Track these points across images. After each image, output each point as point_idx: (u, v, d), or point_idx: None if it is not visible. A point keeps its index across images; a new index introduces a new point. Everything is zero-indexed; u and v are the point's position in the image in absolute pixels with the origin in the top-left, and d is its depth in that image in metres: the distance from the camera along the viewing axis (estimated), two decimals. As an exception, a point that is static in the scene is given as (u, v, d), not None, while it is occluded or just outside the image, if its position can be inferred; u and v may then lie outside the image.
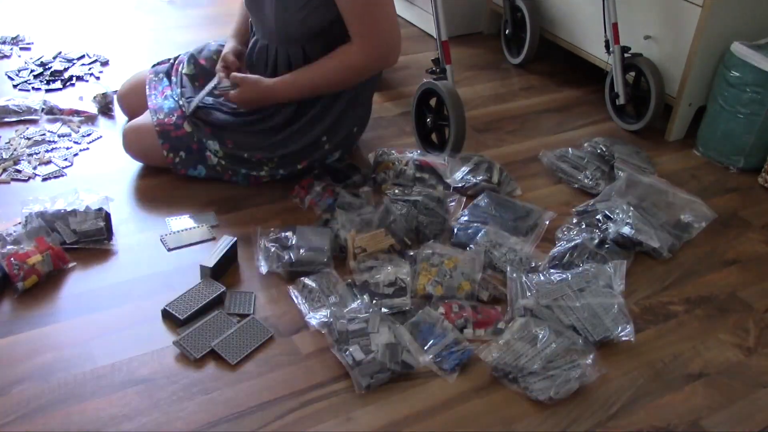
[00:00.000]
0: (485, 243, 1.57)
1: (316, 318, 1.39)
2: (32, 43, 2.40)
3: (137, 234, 1.60)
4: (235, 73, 1.69)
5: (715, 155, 2.03)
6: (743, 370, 1.38)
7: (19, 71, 2.21)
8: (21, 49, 2.36)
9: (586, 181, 1.86)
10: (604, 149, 1.94)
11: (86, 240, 1.53)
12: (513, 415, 1.26)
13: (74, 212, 1.54)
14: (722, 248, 1.70)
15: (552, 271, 1.51)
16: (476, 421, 1.24)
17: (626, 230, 1.63)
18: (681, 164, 2.02)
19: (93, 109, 2.03)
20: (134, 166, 1.80)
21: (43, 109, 2.01)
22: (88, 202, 1.59)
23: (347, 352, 1.30)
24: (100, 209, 1.56)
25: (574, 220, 1.72)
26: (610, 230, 1.65)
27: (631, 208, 1.68)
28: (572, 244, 1.59)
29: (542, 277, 1.48)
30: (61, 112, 2.00)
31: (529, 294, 1.44)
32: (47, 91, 2.13)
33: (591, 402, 1.29)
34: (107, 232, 1.55)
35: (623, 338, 1.39)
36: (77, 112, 2.01)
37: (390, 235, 1.56)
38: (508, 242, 1.59)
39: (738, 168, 2.01)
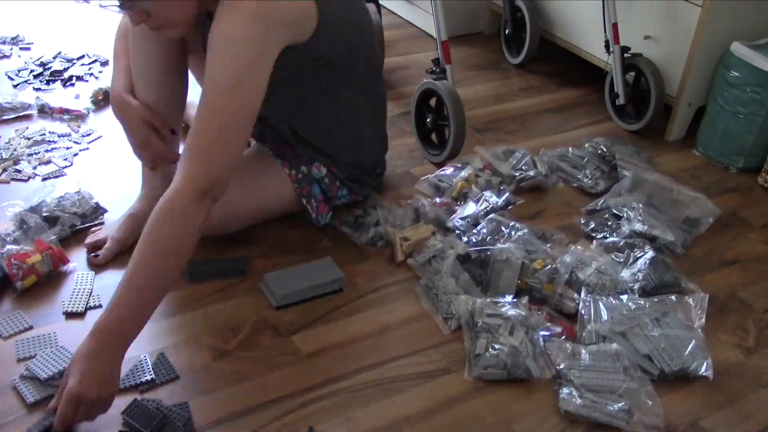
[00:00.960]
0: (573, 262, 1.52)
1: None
2: (32, 43, 2.40)
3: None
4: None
5: (715, 155, 2.03)
6: (743, 370, 1.38)
7: (19, 71, 2.21)
8: (21, 49, 2.36)
9: (585, 180, 1.86)
10: (604, 149, 1.94)
11: (90, 220, 1.58)
12: (513, 415, 1.25)
13: (65, 197, 1.59)
14: (722, 248, 1.70)
15: (626, 297, 1.46)
16: (476, 421, 1.24)
17: (638, 227, 1.63)
18: (681, 164, 2.02)
19: (83, 108, 2.03)
20: (134, 166, 1.80)
21: (36, 106, 2.01)
22: (60, 192, 1.62)
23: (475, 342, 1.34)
24: (78, 191, 1.62)
25: (582, 220, 1.72)
26: (623, 228, 1.65)
27: (641, 205, 1.69)
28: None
29: (615, 301, 1.43)
30: (52, 110, 2.01)
31: (604, 319, 1.39)
32: (35, 89, 2.12)
33: (591, 402, 1.29)
34: (101, 207, 1.62)
35: (702, 374, 1.34)
36: (67, 111, 2.01)
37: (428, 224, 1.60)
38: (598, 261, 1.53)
39: (738, 168, 2.01)
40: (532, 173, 1.84)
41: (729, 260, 1.67)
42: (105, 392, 1.11)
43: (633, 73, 2.14)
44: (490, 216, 1.64)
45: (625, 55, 2.10)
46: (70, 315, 1.37)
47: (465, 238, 1.59)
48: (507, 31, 2.54)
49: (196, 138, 1.25)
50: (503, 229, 1.60)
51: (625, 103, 2.13)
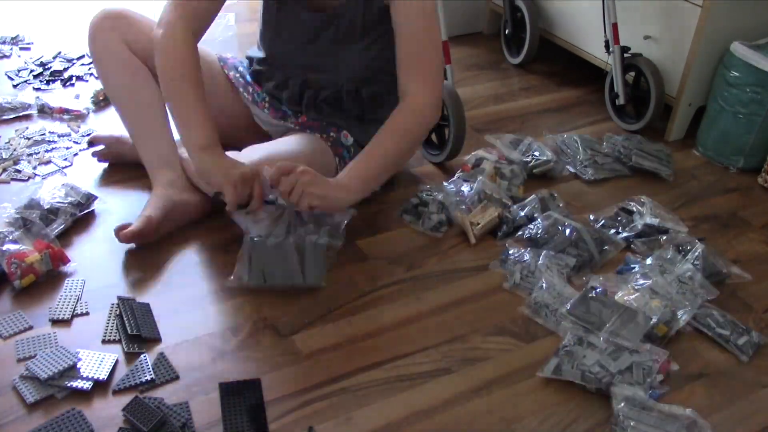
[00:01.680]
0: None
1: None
2: (32, 43, 2.40)
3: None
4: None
5: (715, 155, 2.03)
6: (743, 370, 1.38)
7: (19, 71, 2.21)
8: (21, 49, 2.36)
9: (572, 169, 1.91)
10: (622, 151, 1.95)
11: (86, 208, 1.62)
12: (513, 415, 1.25)
13: (57, 189, 1.61)
14: (722, 248, 1.70)
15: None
16: (476, 420, 1.24)
17: (650, 220, 1.66)
18: (681, 164, 2.02)
19: (83, 108, 2.03)
20: (133, 165, 1.80)
21: (36, 105, 2.01)
22: (47, 187, 1.63)
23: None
24: (65, 184, 1.64)
25: (592, 216, 1.74)
26: (636, 223, 1.68)
27: (650, 198, 1.73)
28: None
29: None
30: (52, 110, 2.01)
31: None
32: (35, 89, 2.13)
33: (591, 402, 1.29)
34: (92, 195, 1.64)
35: None
36: (67, 111, 2.01)
37: (494, 206, 1.65)
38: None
39: (738, 168, 2.01)
40: (544, 158, 1.88)
41: (729, 260, 1.67)
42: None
43: (633, 73, 2.14)
44: (546, 213, 1.67)
45: (625, 55, 2.10)
46: (56, 322, 1.36)
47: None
48: (507, 31, 2.55)
49: (428, 59, 1.53)
50: (559, 227, 1.62)
51: (625, 103, 2.13)
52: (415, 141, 1.58)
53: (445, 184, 1.78)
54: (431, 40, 1.54)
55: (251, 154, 1.53)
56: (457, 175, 1.83)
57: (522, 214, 1.69)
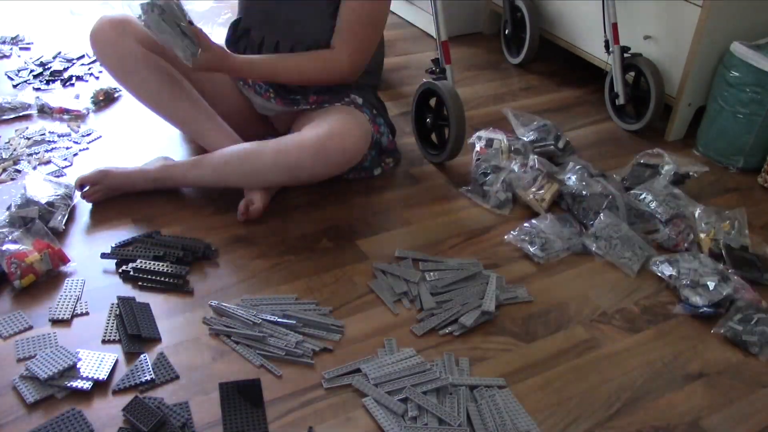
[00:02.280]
0: None
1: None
2: (32, 43, 2.40)
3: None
4: (206, 38, 1.55)
5: (715, 155, 2.03)
6: (743, 370, 1.38)
7: (18, 71, 2.21)
8: (21, 49, 2.36)
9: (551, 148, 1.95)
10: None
11: (73, 197, 1.65)
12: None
13: (41, 187, 1.62)
14: (722, 248, 1.70)
15: None
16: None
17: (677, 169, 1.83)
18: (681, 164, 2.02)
19: (82, 108, 2.03)
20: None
21: (36, 105, 2.01)
22: (30, 186, 1.63)
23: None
24: (47, 179, 1.66)
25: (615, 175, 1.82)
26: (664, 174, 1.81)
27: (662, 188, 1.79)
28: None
29: None
30: (52, 110, 2.01)
31: None
32: (35, 89, 2.12)
33: (591, 402, 1.29)
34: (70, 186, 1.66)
35: None
36: (67, 111, 2.01)
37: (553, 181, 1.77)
38: None
39: (738, 168, 2.01)
40: (547, 141, 1.91)
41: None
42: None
43: (633, 73, 2.14)
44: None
45: (625, 55, 2.10)
46: (56, 322, 1.36)
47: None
48: (507, 31, 2.55)
49: (360, 33, 1.64)
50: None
51: (625, 103, 2.13)
52: (325, 77, 1.68)
53: (505, 162, 1.84)
54: (372, 20, 1.64)
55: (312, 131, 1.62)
56: (477, 158, 1.87)
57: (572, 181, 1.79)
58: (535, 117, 2.03)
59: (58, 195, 1.61)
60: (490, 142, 1.91)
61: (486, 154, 1.86)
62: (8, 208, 1.56)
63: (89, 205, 1.65)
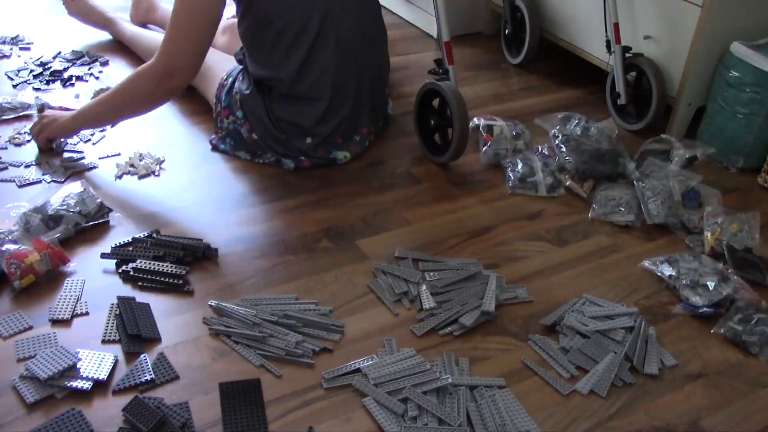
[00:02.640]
0: None
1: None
2: (32, 43, 2.40)
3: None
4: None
5: (715, 155, 2.03)
6: (743, 370, 1.38)
7: (18, 71, 2.21)
8: (21, 49, 2.36)
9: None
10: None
11: (94, 219, 1.59)
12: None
13: (69, 196, 1.58)
14: (722, 248, 1.70)
15: None
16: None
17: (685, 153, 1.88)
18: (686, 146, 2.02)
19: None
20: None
21: (36, 105, 2.01)
22: (64, 192, 1.61)
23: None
24: (84, 190, 1.61)
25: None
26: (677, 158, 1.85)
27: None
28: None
29: None
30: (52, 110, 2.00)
31: None
32: (35, 89, 2.12)
33: (591, 402, 1.29)
34: (106, 207, 1.62)
35: None
36: (66, 110, 2.00)
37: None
38: None
39: (738, 168, 2.01)
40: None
41: (729, 260, 1.67)
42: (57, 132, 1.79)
43: (634, 73, 2.14)
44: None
45: (627, 55, 2.10)
46: (56, 322, 1.36)
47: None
48: (507, 31, 2.55)
49: (168, 31, 1.61)
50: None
51: (626, 103, 2.13)
52: (133, 99, 1.68)
53: (533, 156, 1.91)
54: (175, 9, 1.60)
55: None
56: (486, 145, 1.93)
57: None
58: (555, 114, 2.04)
59: (73, 211, 1.56)
60: (489, 129, 1.95)
61: (494, 141, 1.92)
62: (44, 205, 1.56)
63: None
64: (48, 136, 1.80)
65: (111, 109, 1.72)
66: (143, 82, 1.65)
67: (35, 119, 1.87)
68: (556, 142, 1.89)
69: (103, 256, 1.50)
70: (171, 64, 1.62)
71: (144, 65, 1.65)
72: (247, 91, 1.79)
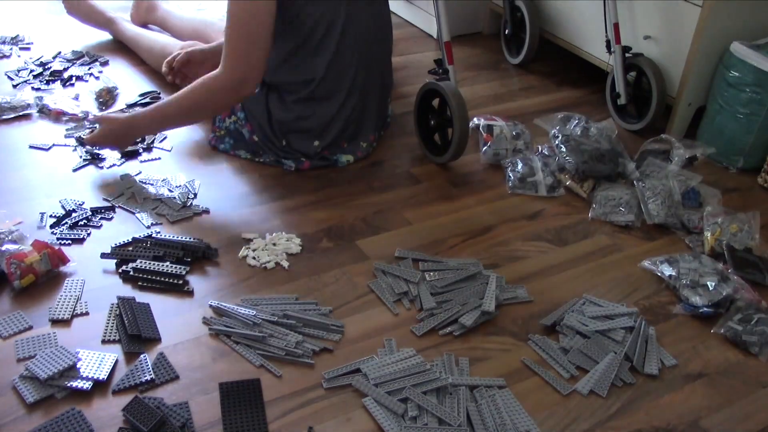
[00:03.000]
0: None
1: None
2: (32, 43, 2.40)
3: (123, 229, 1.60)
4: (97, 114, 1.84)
5: (715, 155, 2.03)
6: (743, 370, 1.38)
7: (18, 71, 2.21)
8: (21, 49, 2.36)
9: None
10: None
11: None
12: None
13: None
14: (722, 248, 1.70)
15: None
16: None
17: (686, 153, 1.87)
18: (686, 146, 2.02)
19: (80, 111, 2.01)
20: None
21: (37, 105, 2.01)
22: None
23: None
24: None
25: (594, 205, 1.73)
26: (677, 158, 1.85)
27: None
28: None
29: None
30: (50, 111, 2.01)
31: None
32: (35, 89, 2.12)
33: (591, 402, 1.29)
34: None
35: None
36: (63, 113, 2.01)
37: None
38: None
39: (738, 168, 2.01)
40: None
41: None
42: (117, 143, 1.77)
43: (634, 73, 2.14)
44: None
45: (627, 55, 2.10)
46: (56, 322, 1.36)
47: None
48: (507, 31, 2.55)
49: (229, 42, 1.61)
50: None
51: (626, 102, 2.13)
52: (209, 97, 1.66)
53: (533, 156, 1.92)
54: (233, 21, 1.59)
55: None
56: (486, 145, 1.94)
57: None
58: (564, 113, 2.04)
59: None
60: (489, 129, 1.96)
61: (492, 141, 1.92)
62: None
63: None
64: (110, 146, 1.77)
65: (181, 118, 1.74)
66: (216, 95, 1.65)
67: (36, 118, 1.86)
68: (556, 142, 1.89)
69: (103, 256, 1.50)
70: (240, 74, 1.62)
71: (210, 77, 1.63)
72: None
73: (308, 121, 1.78)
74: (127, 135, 1.74)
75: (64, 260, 1.47)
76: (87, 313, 1.38)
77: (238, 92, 1.65)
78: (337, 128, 1.81)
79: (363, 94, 1.83)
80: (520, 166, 1.87)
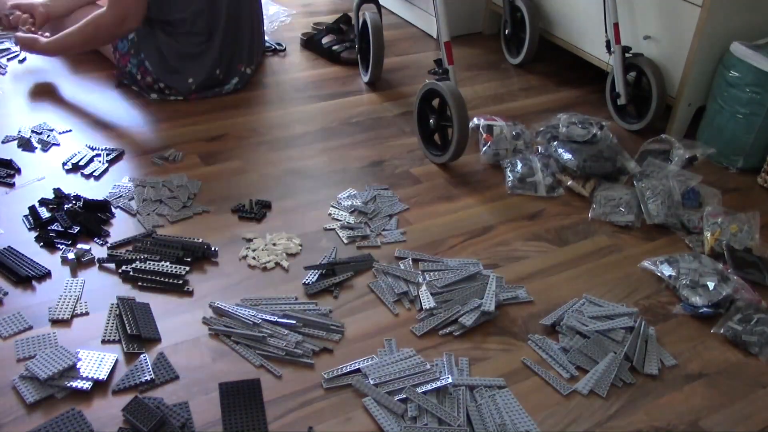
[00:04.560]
0: None
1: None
2: None
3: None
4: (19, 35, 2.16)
5: (715, 155, 2.03)
6: (743, 370, 1.38)
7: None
8: None
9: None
10: None
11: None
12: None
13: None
14: (722, 248, 1.70)
15: None
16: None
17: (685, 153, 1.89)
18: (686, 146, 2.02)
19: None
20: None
21: None
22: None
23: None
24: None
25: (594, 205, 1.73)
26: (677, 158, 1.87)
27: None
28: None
29: None
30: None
31: None
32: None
33: (591, 402, 1.29)
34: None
35: None
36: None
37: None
38: None
39: (738, 168, 2.01)
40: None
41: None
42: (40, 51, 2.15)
43: (634, 73, 2.14)
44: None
45: (627, 55, 2.10)
46: (56, 322, 1.36)
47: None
48: (507, 31, 2.55)
49: None
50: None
51: (626, 103, 2.13)
52: (94, 38, 2.06)
53: (532, 156, 1.92)
54: None
55: None
56: (486, 145, 1.95)
57: None
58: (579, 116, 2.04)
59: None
60: (489, 129, 1.97)
61: (493, 141, 1.93)
62: None
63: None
64: (34, 52, 2.14)
65: (78, 47, 2.13)
66: (102, 31, 2.00)
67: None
68: (555, 143, 1.89)
69: (102, 261, 1.50)
70: (121, 14, 1.95)
71: (97, 15, 1.97)
72: (142, 36, 2.07)
73: (186, 56, 2.07)
74: (51, 51, 2.16)
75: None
76: (87, 313, 1.38)
77: (120, 29, 1.99)
78: (212, 60, 2.09)
79: (235, 28, 2.12)
80: (519, 166, 1.87)
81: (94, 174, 1.77)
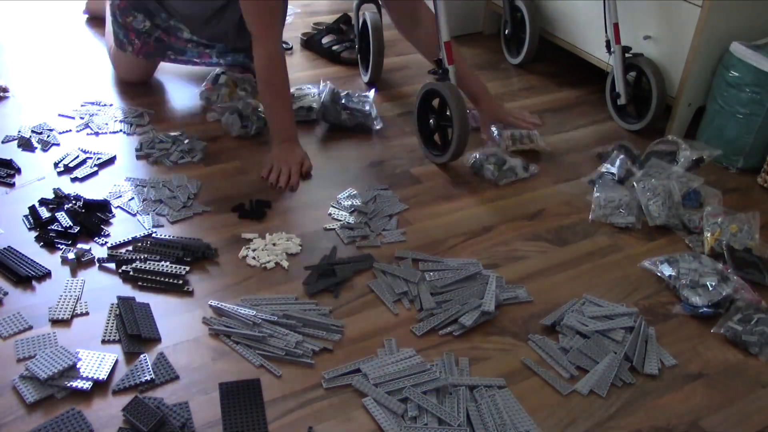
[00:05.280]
0: None
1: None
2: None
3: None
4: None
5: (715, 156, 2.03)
6: (743, 370, 1.38)
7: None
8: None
9: None
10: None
11: None
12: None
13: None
14: (722, 248, 1.70)
15: None
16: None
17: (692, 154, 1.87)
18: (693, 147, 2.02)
19: None
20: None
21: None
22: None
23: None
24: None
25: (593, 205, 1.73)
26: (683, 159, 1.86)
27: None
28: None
29: None
30: None
31: None
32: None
33: (591, 402, 1.29)
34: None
35: None
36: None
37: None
38: None
39: (737, 168, 2.01)
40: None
41: (729, 260, 1.67)
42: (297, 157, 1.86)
43: (634, 73, 2.14)
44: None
45: (627, 55, 2.10)
46: (56, 322, 1.36)
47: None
48: (507, 31, 2.55)
49: (256, 32, 1.84)
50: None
51: (626, 103, 2.13)
52: (264, 85, 1.87)
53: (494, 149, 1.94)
54: (251, 14, 1.81)
55: None
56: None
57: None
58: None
59: None
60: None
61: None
62: None
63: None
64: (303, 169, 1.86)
65: (268, 102, 1.88)
66: (263, 73, 1.84)
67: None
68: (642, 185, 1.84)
69: (102, 261, 1.50)
70: (271, 53, 1.84)
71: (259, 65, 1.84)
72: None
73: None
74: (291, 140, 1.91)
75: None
76: (87, 313, 1.38)
77: (271, 60, 1.86)
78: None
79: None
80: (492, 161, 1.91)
81: (78, 177, 1.76)
